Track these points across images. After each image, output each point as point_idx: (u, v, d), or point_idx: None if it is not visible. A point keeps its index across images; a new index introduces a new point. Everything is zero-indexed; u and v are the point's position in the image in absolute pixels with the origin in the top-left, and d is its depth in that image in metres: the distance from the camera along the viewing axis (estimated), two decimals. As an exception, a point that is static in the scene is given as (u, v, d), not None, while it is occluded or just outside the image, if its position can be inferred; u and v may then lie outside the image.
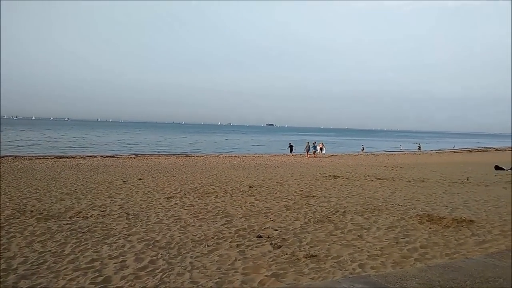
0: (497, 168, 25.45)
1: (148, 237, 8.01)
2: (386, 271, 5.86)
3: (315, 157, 39.77)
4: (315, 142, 43.17)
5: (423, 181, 18.13)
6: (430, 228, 8.78)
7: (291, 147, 42.31)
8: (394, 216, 10.00)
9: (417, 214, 10.19)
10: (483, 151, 66.88)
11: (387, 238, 8.00)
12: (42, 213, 10.09)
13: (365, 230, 8.62)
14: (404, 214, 10.25)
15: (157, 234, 8.24)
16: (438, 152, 60.45)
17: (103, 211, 10.43)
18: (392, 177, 19.62)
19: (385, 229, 8.69)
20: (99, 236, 8.09)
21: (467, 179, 18.66)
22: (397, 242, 7.67)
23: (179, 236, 8.07)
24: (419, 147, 67.39)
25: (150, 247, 7.37)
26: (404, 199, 12.69)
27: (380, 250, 7.19)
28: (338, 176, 19.51)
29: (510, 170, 24.63)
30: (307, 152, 40.70)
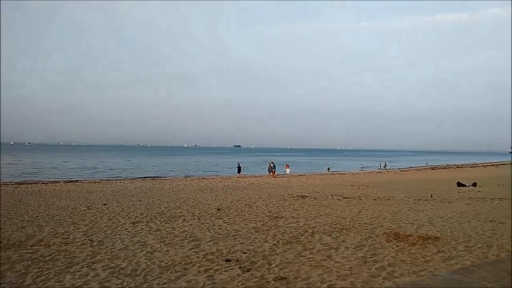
0: (459, 184, 26.16)
1: (113, 265, 7.77)
2: (355, 291, 5.86)
3: (275, 177, 40.02)
4: (272, 162, 43.36)
5: (389, 199, 18.42)
6: (397, 246, 8.87)
7: (239, 168, 43.38)
8: (362, 235, 10.07)
9: (384, 232, 10.30)
10: (445, 168, 68.74)
11: (356, 257, 8.03)
12: (1, 242, 9.68)
13: (333, 250, 8.63)
14: (372, 233, 10.34)
15: (123, 261, 8.01)
16: (402, 170, 61.75)
17: (66, 239, 10.09)
18: (359, 196, 19.85)
19: (353, 248, 8.73)
20: (62, 264, 7.80)
21: (431, 196, 19.08)
22: (365, 261, 7.70)
23: (145, 263, 7.87)
24: (385, 166, 68.67)
25: (115, 274, 7.15)
26: (371, 218, 12.82)
27: (349, 270, 7.20)
28: (306, 196, 19.60)
29: (471, 187, 25.36)
30: (270, 172, 41.14)
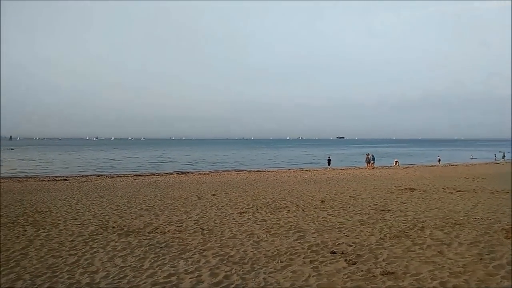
0: None
1: (222, 252, 8.14)
2: (470, 290, 5.54)
3: (372, 168, 39.27)
4: (370, 153, 43.91)
5: (508, 192, 17.01)
6: (518, 244, 8.20)
7: (329, 160, 42.75)
8: (477, 231, 9.44)
9: (503, 228, 9.57)
10: None
11: (470, 254, 7.56)
12: (123, 229, 10.59)
13: (445, 246, 8.21)
14: (488, 228, 9.65)
15: (231, 249, 8.35)
16: (525, 161, 56.39)
17: (179, 227, 10.75)
18: (474, 189, 18.60)
19: (468, 245, 8.23)
20: (176, 251, 8.34)
21: (559, 190, 17.27)
22: (481, 259, 7.23)
23: (252, 252, 8.13)
24: (503, 156, 63.29)
25: (225, 262, 7.48)
26: (488, 212, 11.96)
27: (463, 267, 6.80)
28: (415, 189, 18.80)
29: None
30: (368, 164, 40.44)
